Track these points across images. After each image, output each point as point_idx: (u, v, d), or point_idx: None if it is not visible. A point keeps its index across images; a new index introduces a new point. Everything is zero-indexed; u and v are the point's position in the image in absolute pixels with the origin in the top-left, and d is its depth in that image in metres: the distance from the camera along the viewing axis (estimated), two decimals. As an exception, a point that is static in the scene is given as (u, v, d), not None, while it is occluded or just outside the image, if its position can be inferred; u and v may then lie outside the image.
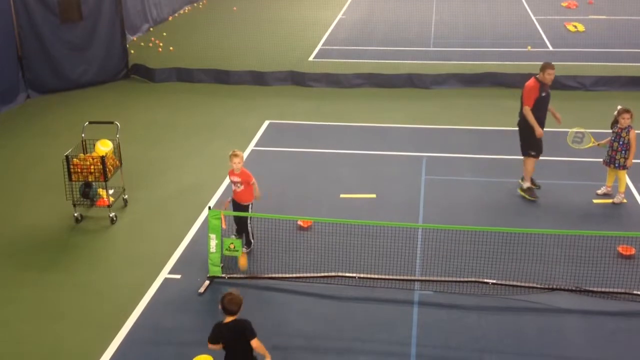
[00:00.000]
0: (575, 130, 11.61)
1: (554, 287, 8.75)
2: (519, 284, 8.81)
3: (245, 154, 13.35)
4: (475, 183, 11.99)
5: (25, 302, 8.92)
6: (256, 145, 13.88)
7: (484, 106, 16.16)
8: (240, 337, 6.51)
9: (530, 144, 11.20)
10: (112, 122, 11.55)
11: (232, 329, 6.53)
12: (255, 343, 6.53)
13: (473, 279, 8.88)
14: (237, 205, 9.75)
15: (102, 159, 10.58)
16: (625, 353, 7.76)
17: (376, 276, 9.03)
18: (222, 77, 18.28)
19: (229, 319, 6.57)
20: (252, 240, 9.81)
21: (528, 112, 10.92)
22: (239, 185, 9.61)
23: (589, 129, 11.68)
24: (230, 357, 6.64)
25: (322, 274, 9.05)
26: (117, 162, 11.16)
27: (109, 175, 10.77)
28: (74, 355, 7.85)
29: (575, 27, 22.97)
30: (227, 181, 12.16)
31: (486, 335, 8.06)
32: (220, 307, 6.54)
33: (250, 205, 9.72)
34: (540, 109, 11.02)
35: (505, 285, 8.81)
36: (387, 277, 9.01)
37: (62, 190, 11.04)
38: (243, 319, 6.57)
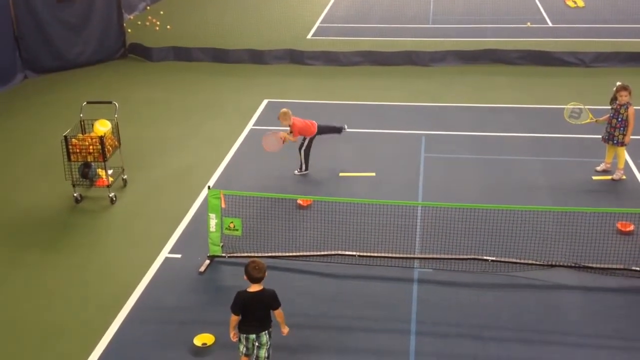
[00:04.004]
0: (571, 105, 11.57)
1: (553, 263, 8.78)
2: (518, 261, 8.84)
3: (244, 133, 13.35)
4: (475, 160, 11.98)
5: (24, 282, 8.94)
6: (255, 124, 13.85)
7: (482, 83, 16.11)
8: (265, 306, 6.68)
9: None
10: (110, 102, 11.53)
11: (260, 298, 6.62)
12: (279, 312, 6.75)
13: (472, 256, 8.91)
14: None
15: (101, 139, 10.55)
16: (624, 329, 7.80)
17: (376, 254, 9.04)
18: (220, 56, 18.20)
19: (255, 287, 6.62)
20: (303, 165, 11.54)
21: None
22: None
23: (588, 106, 11.64)
24: (249, 321, 6.69)
25: (322, 253, 9.07)
26: (116, 142, 11.14)
27: (108, 155, 10.75)
28: (75, 335, 7.88)
29: (575, 2, 22.83)
30: (226, 160, 12.18)
31: (485, 311, 8.10)
32: (245, 277, 6.59)
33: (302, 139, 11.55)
34: None
35: (505, 262, 8.83)
36: (386, 255, 9.03)
37: (61, 171, 11.02)
38: (270, 289, 6.70)
